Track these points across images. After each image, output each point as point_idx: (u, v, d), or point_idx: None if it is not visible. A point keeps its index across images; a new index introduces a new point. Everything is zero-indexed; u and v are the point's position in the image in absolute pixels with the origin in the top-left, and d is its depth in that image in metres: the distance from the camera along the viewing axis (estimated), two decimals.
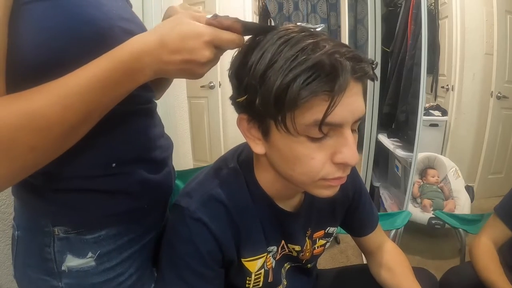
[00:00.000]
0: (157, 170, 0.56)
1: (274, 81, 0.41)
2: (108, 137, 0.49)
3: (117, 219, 0.52)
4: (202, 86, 2.58)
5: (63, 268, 0.49)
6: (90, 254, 0.50)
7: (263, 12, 2.55)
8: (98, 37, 0.43)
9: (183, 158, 1.84)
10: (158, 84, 0.67)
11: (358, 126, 0.49)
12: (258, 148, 0.50)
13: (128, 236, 0.54)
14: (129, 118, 0.51)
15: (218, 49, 0.43)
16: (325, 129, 0.43)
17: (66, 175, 0.47)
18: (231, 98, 0.51)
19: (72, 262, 0.49)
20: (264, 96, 0.42)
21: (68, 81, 0.38)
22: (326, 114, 0.41)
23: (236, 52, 0.49)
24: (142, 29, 0.53)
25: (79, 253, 0.50)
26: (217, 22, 0.43)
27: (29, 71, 0.40)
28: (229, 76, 0.50)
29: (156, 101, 0.73)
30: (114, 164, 0.50)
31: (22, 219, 0.53)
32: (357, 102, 0.44)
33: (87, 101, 0.38)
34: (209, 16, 0.44)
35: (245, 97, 0.46)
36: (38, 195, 0.49)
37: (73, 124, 0.39)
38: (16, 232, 0.54)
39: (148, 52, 0.40)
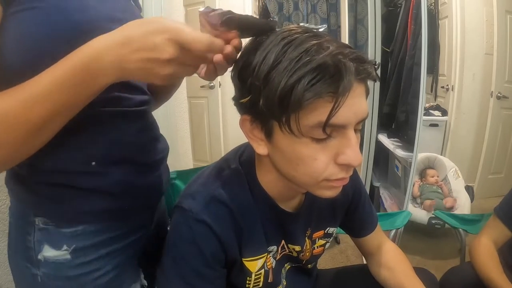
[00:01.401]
0: (143, 173, 0.57)
1: (278, 82, 0.41)
2: (89, 136, 0.49)
3: (95, 217, 0.53)
4: (202, 86, 2.58)
5: (39, 257, 0.51)
6: (65, 247, 0.51)
7: (263, 12, 2.54)
8: (83, 42, 0.43)
9: (183, 158, 1.84)
10: (159, 91, 0.67)
11: None
12: (261, 149, 0.50)
13: (108, 234, 0.54)
14: (114, 119, 0.51)
15: (185, 49, 0.40)
16: (328, 130, 0.43)
17: (48, 168, 0.49)
18: (234, 98, 0.51)
19: (48, 252, 0.51)
20: (268, 97, 0.42)
21: (32, 83, 0.39)
22: (330, 116, 0.40)
23: (239, 53, 0.48)
24: None
25: (55, 244, 0.51)
26: (212, 27, 0.43)
27: (15, 76, 0.41)
28: (232, 77, 0.50)
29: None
30: (93, 163, 0.50)
31: (13, 207, 0.56)
32: (360, 103, 0.44)
33: (49, 102, 0.39)
34: (201, 9, 0.43)
35: (249, 98, 0.46)
36: (24, 185, 0.51)
37: (38, 124, 0.40)
38: (10, 219, 0.56)
39: (109, 51, 0.39)
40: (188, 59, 0.42)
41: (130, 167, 0.54)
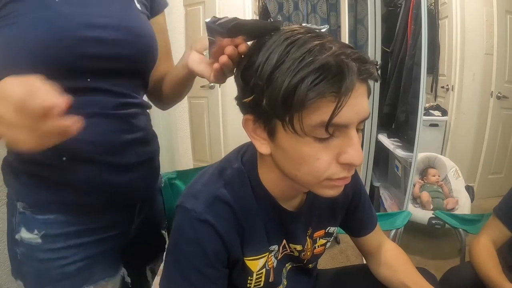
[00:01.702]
0: (114, 174, 0.58)
1: (281, 82, 0.41)
2: None
3: (64, 209, 0.57)
4: (202, 86, 2.58)
5: (16, 237, 0.58)
6: (36, 232, 0.56)
7: (263, 12, 2.55)
8: (49, 53, 0.49)
9: (183, 158, 1.84)
10: (170, 89, 0.70)
11: None
12: (264, 148, 0.50)
13: (77, 227, 0.58)
14: (89, 120, 0.52)
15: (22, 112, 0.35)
16: (331, 129, 0.43)
17: (28, 159, 0.55)
18: (237, 98, 0.51)
19: (24, 234, 0.57)
20: (271, 97, 0.43)
21: None
22: (333, 115, 0.41)
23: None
24: (122, 34, 0.56)
25: (29, 228, 0.57)
26: (217, 46, 0.44)
27: None
28: (235, 77, 0.50)
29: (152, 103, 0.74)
30: (64, 158, 0.54)
31: (7, 191, 0.61)
32: (362, 102, 0.45)
33: None
34: (207, 20, 0.44)
35: (252, 97, 0.46)
36: (12, 172, 0.58)
37: None
38: (7, 201, 0.62)
39: None
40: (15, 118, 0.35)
41: (99, 166, 0.57)
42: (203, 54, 0.55)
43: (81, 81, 0.54)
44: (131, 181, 0.61)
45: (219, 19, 0.44)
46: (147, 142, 0.66)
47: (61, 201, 0.56)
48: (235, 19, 0.44)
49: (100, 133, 0.56)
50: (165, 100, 0.76)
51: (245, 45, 0.46)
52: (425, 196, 1.90)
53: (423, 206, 1.91)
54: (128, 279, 0.69)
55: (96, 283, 0.61)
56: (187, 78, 0.65)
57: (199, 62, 0.54)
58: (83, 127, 0.52)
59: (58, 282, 0.58)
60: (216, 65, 0.47)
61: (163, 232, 0.80)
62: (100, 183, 0.57)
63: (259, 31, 0.47)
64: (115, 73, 0.57)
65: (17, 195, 0.58)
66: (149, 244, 0.76)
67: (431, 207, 1.86)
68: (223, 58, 0.45)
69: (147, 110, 0.71)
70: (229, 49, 0.45)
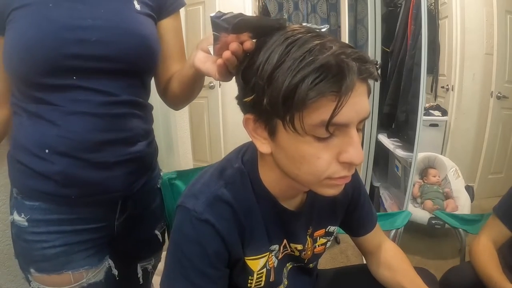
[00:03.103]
0: (91, 170, 0.62)
1: (282, 82, 0.41)
2: (46, 126, 0.60)
3: (46, 197, 0.63)
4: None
5: (10, 218, 0.66)
6: (22, 215, 0.64)
7: (263, 12, 2.54)
8: (34, 56, 0.56)
9: (183, 158, 1.84)
10: (180, 88, 0.71)
11: None
12: (264, 147, 0.50)
13: (58, 215, 0.64)
14: (67, 117, 0.59)
15: None
16: (331, 129, 0.43)
17: (18, 145, 0.63)
18: (237, 98, 0.51)
19: (15, 217, 0.65)
20: (272, 96, 0.43)
21: None
22: (333, 115, 0.41)
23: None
24: (108, 35, 0.60)
25: (19, 212, 0.64)
26: (221, 42, 0.45)
27: None
28: (236, 76, 0.50)
29: (151, 102, 0.75)
30: (47, 151, 0.60)
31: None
32: (363, 102, 0.45)
33: None
34: (212, 14, 0.44)
35: (252, 97, 0.46)
36: (12, 161, 0.65)
37: None
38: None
39: None
40: None
41: (76, 161, 0.61)
42: (209, 51, 0.55)
43: (67, 79, 0.59)
44: (107, 179, 0.65)
45: (224, 14, 0.44)
46: (132, 143, 0.67)
47: (43, 190, 0.62)
48: (241, 15, 0.44)
49: (79, 130, 0.60)
50: (175, 100, 0.77)
51: (250, 42, 0.46)
52: (429, 204, 1.90)
53: (424, 208, 1.90)
54: (115, 272, 0.72)
55: (75, 269, 0.66)
56: (194, 78, 0.66)
57: (204, 60, 0.54)
58: (64, 123, 0.59)
59: (39, 262, 0.64)
60: (219, 61, 0.47)
61: (157, 232, 0.81)
62: (75, 177, 0.62)
63: (264, 29, 0.46)
64: (101, 72, 0.61)
65: (13, 181, 0.66)
66: (138, 242, 0.78)
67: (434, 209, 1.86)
68: (227, 54, 0.45)
69: (148, 111, 0.71)
70: (234, 46, 0.45)
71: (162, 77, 0.75)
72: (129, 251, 0.77)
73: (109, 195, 0.67)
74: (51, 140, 0.60)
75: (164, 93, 0.77)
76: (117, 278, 0.73)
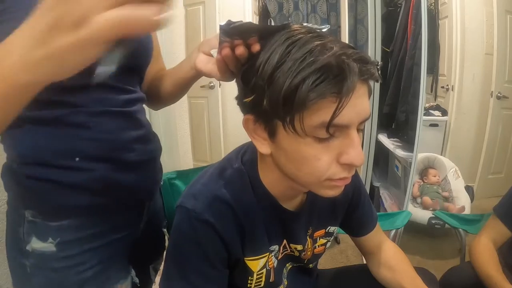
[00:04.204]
0: (126, 172, 0.58)
1: (282, 82, 0.41)
2: (74, 132, 0.52)
3: (79, 212, 0.55)
4: (202, 86, 2.57)
5: (27, 248, 0.54)
6: (50, 240, 0.54)
7: (263, 12, 2.54)
8: None
9: (183, 158, 1.84)
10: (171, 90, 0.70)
11: None
12: (264, 148, 0.50)
13: (91, 230, 0.57)
14: (97, 118, 0.53)
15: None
16: (332, 130, 0.43)
17: (34, 161, 0.52)
18: (237, 98, 0.51)
19: (36, 244, 0.54)
20: (272, 97, 0.43)
21: None
22: (333, 116, 0.41)
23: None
24: None
25: (42, 237, 0.54)
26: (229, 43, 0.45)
27: None
28: (236, 76, 0.50)
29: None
30: (77, 159, 0.53)
31: (8, 199, 0.58)
32: (363, 103, 0.45)
33: None
34: (222, 23, 0.44)
35: (252, 97, 0.46)
36: (14, 178, 0.54)
37: None
38: (7, 210, 0.59)
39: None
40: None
41: (112, 165, 0.56)
42: (210, 55, 0.55)
43: (84, 78, 0.52)
44: (139, 179, 0.61)
45: (234, 22, 0.45)
46: (149, 140, 0.66)
47: (75, 204, 0.54)
48: (249, 23, 0.45)
49: (111, 130, 0.55)
50: (162, 100, 0.76)
51: (258, 45, 0.46)
52: (427, 200, 1.89)
53: (425, 208, 1.90)
54: (136, 280, 0.68)
55: (113, 286, 0.60)
56: (192, 80, 0.66)
57: (206, 62, 0.54)
58: (95, 124, 0.53)
59: None
60: (218, 56, 0.47)
61: (164, 230, 0.80)
62: (113, 182, 0.56)
63: (271, 35, 0.47)
64: (120, 68, 0.58)
65: (24, 202, 0.54)
66: (152, 243, 0.76)
67: (438, 208, 1.85)
68: (225, 51, 0.45)
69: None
70: (240, 49, 0.45)
71: (146, 76, 0.73)
72: (145, 254, 0.74)
73: (141, 197, 0.65)
74: (81, 145, 0.53)
75: (146, 92, 0.73)
76: (138, 286, 0.70)
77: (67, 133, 0.52)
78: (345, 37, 2.18)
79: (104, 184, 0.55)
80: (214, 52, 0.50)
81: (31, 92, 0.29)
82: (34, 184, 0.53)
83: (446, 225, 1.43)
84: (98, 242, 0.58)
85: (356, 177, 0.71)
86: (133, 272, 0.67)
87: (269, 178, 0.56)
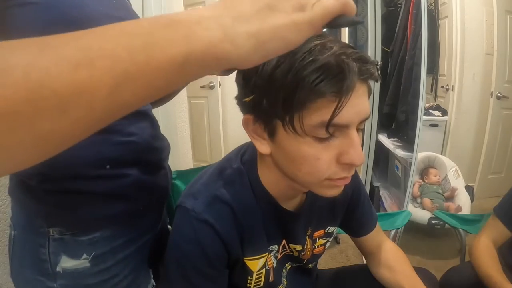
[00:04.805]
0: (152, 172, 0.57)
1: (282, 82, 0.41)
2: (101, 138, 0.48)
3: (112, 221, 0.52)
4: (202, 86, 2.57)
5: (57, 269, 0.50)
6: (84, 256, 0.50)
7: None
8: None
9: (183, 158, 1.84)
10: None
11: None
12: (264, 148, 0.50)
13: (123, 238, 0.55)
14: (120, 120, 0.50)
15: None
16: (331, 129, 0.43)
17: (59, 176, 0.48)
18: (237, 98, 0.51)
19: (67, 263, 0.50)
20: (272, 97, 0.43)
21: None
22: (333, 116, 0.41)
23: None
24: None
25: (73, 254, 0.50)
26: None
27: None
28: (236, 76, 0.50)
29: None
30: (108, 166, 0.50)
31: (19, 219, 0.54)
32: (363, 103, 0.45)
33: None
34: None
35: (252, 97, 0.46)
36: (32, 195, 0.49)
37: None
38: (13, 232, 0.54)
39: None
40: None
41: (140, 167, 0.54)
42: None
43: None
44: (162, 177, 0.61)
45: None
46: (161, 138, 0.65)
47: (107, 214, 0.51)
48: None
49: (140, 132, 0.54)
50: (157, 101, 0.76)
51: None
52: (428, 202, 1.89)
53: (423, 205, 1.90)
54: (153, 282, 0.66)
55: None
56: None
57: None
58: (123, 127, 0.49)
59: None
60: None
61: (169, 227, 0.80)
62: (143, 185, 0.54)
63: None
64: None
65: (47, 220, 0.49)
66: (162, 243, 0.76)
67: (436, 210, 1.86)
68: None
69: None
70: None
71: None
72: (157, 254, 0.73)
73: (165, 195, 0.64)
74: (110, 150, 0.50)
75: None
76: (154, 286, 0.68)
77: (94, 140, 0.48)
78: (345, 37, 2.19)
79: (137, 188, 0.53)
80: None
81: (214, 67, 0.26)
82: (58, 198, 0.49)
83: (446, 225, 1.43)
84: (130, 249, 0.55)
85: (355, 177, 0.71)
86: (151, 275, 0.65)
87: (268, 178, 0.56)
